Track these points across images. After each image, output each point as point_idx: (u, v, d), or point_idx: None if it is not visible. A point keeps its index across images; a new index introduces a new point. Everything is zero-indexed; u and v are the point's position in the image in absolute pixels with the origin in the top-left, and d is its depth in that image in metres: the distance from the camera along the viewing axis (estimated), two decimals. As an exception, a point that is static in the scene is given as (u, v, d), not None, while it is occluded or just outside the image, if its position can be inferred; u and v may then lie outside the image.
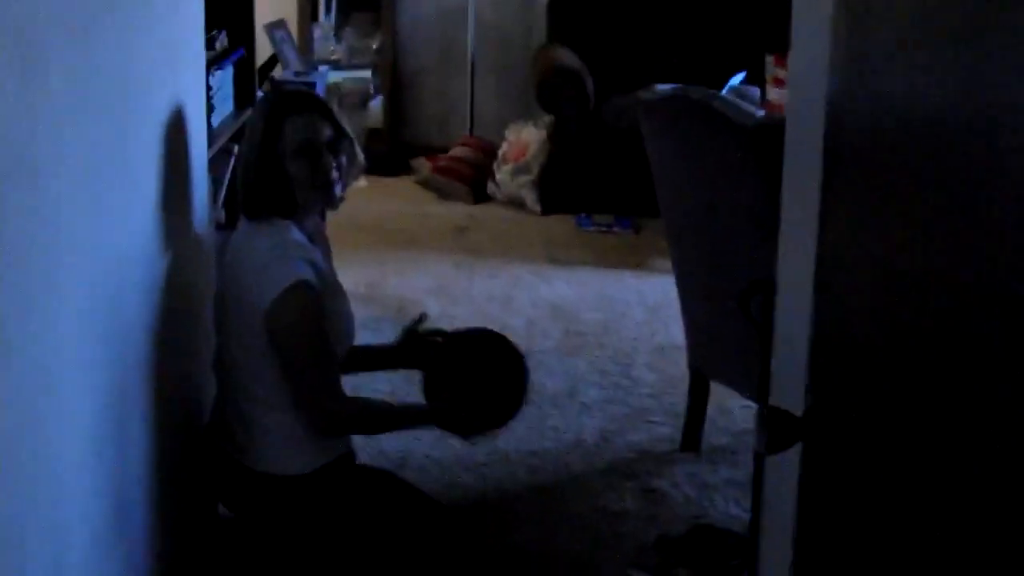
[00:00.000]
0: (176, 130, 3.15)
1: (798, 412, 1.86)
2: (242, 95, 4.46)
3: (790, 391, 1.96)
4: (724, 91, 6.35)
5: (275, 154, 3.12)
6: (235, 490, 3.25)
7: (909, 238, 1.56)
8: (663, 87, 4.38)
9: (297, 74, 5.77)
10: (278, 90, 3.39)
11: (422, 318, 3.55)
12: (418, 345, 3.48)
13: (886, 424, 1.61)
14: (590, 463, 4.31)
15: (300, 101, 3.20)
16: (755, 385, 4.02)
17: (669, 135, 4.01)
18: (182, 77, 3.22)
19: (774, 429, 1.67)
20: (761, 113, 3.72)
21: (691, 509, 4.02)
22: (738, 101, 3.84)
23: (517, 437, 4.45)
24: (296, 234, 3.17)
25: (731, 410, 4.66)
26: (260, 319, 3.06)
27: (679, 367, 5.08)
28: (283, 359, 3.10)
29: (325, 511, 3.19)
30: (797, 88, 2.03)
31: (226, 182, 4.15)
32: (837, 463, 1.71)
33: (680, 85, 4.06)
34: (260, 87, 4.76)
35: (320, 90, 4.99)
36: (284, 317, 3.05)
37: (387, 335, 5.26)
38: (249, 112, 3.30)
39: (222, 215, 4.06)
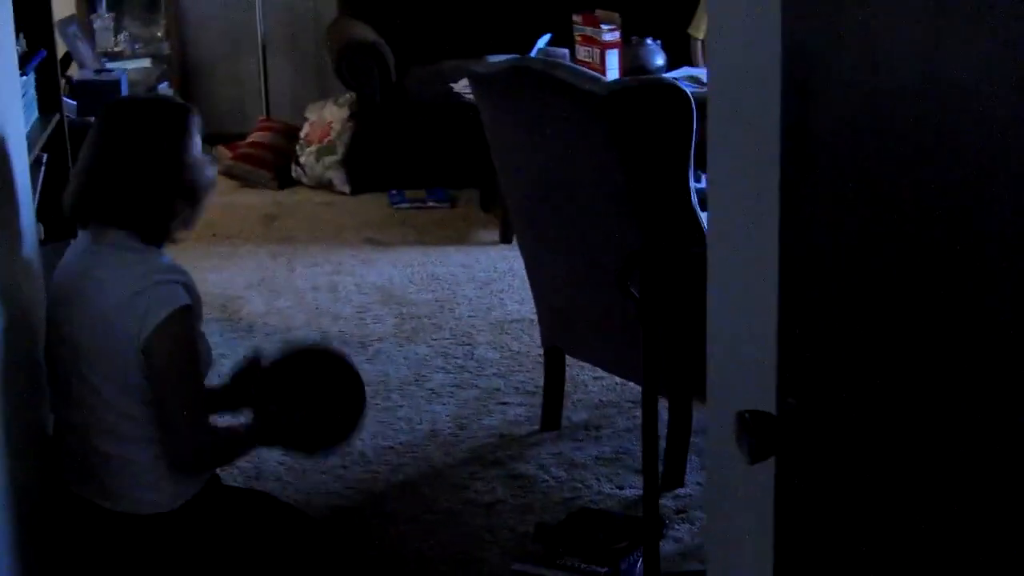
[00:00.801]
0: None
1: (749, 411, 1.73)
2: (47, 100, 4.16)
3: (741, 389, 1.83)
4: (532, 54, 6.24)
5: (169, 183, 2.90)
6: (96, 538, 2.98)
7: (891, 221, 1.43)
8: (496, 58, 4.23)
9: (98, 72, 5.45)
10: (164, 103, 3.12)
11: (252, 361, 3.27)
12: (243, 383, 3.24)
13: (870, 423, 1.49)
14: (450, 453, 4.15)
15: (187, 119, 2.97)
16: (623, 361, 3.91)
17: (511, 109, 3.85)
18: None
19: (757, 434, 1.54)
20: (605, 80, 3.59)
21: (563, 492, 3.89)
22: (579, 67, 3.70)
23: (371, 433, 4.27)
24: (167, 260, 2.94)
25: (585, 383, 4.55)
26: (132, 349, 2.83)
27: (522, 342, 4.96)
28: (158, 390, 2.87)
29: (198, 547, 2.97)
30: (725, 52, 1.89)
31: (37, 194, 3.85)
32: (819, 467, 1.58)
33: (516, 56, 3.92)
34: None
35: (124, 88, 4.71)
36: (165, 346, 2.84)
37: (215, 338, 5.04)
38: (104, 112, 3.01)
39: (40, 230, 3.76)
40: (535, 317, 5.05)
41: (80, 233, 3.00)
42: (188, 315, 2.90)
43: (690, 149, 3.59)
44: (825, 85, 1.54)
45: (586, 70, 3.64)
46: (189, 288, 2.94)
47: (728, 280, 1.91)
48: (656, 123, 3.54)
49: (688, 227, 3.62)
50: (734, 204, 1.83)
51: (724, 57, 1.92)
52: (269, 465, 4.08)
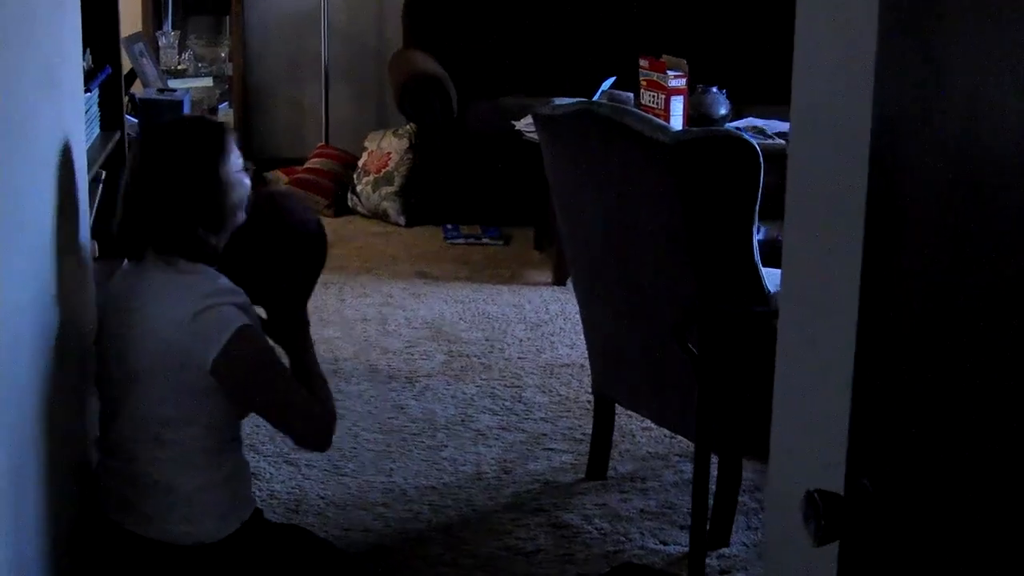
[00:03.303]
0: (61, 163, 2.86)
1: (819, 486, 1.66)
2: (110, 117, 4.14)
3: (807, 464, 1.76)
4: (596, 96, 6.19)
5: (209, 203, 2.86)
6: (134, 568, 2.94)
7: (982, 295, 1.36)
8: (563, 100, 4.18)
9: (160, 91, 5.43)
10: (203, 123, 3.08)
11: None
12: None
13: (949, 511, 1.42)
14: (493, 497, 4.08)
15: (226, 139, 2.94)
16: (673, 415, 3.85)
17: (575, 152, 3.80)
18: (62, 103, 2.92)
19: (826, 516, 1.47)
20: (673, 129, 3.53)
21: (607, 545, 3.81)
22: (646, 115, 3.65)
23: (414, 472, 4.21)
24: (224, 280, 2.90)
25: (633, 433, 4.47)
26: (197, 372, 2.80)
27: (570, 387, 4.90)
28: (252, 404, 2.91)
29: (238, 579, 2.92)
30: (809, 94, 1.82)
31: (94, 211, 3.82)
32: (888, 556, 1.51)
33: (585, 99, 3.86)
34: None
35: (187, 108, 4.69)
36: (239, 362, 2.82)
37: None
38: (141, 137, 2.98)
39: (95, 247, 3.73)
40: (585, 362, 4.99)
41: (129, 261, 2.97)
42: (250, 331, 2.86)
43: (755, 203, 3.53)
44: (917, 150, 1.48)
45: (653, 118, 3.58)
46: (245, 309, 2.90)
47: (800, 347, 1.84)
48: (722, 175, 3.48)
49: (749, 281, 3.55)
50: (811, 269, 1.77)
51: (807, 113, 1.86)
52: (310, 499, 4.02)
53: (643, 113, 3.67)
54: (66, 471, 2.85)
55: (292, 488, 4.07)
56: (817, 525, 1.47)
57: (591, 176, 3.76)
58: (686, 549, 3.77)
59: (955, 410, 1.41)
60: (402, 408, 4.71)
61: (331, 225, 7.00)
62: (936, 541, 1.45)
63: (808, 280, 1.78)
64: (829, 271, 1.68)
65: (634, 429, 4.48)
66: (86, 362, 2.98)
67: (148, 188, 2.89)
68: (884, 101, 1.51)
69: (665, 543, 3.82)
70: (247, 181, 2.97)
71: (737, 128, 6.27)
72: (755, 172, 3.48)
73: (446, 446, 4.42)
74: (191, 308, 2.81)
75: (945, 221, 1.42)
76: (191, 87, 6.96)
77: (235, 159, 2.93)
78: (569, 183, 3.90)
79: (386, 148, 7.20)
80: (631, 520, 3.94)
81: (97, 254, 3.70)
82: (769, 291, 3.59)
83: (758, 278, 3.57)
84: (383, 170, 7.14)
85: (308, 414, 3.00)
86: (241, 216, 2.95)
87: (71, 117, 3.01)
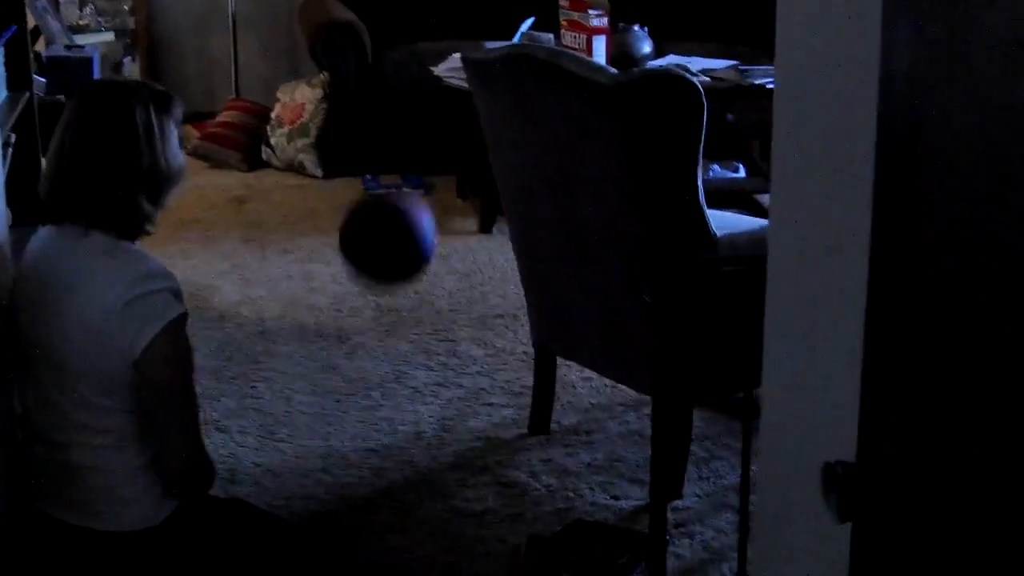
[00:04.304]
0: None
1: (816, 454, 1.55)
2: (17, 77, 3.92)
3: (812, 434, 1.64)
4: (515, 39, 6.04)
5: (150, 178, 2.69)
6: (74, 560, 2.77)
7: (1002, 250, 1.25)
8: (493, 44, 4.03)
9: (68, 48, 5.19)
10: (149, 86, 2.89)
11: None
12: None
13: (969, 482, 1.31)
14: (435, 457, 3.95)
15: (175, 104, 2.77)
16: (619, 365, 3.73)
17: (509, 98, 3.65)
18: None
19: (851, 489, 1.35)
20: (612, 70, 3.39)
21: (556, 502, 3.70)
22: (583, 56, 3.51)
23: (351, 434, 4.07)
24: (153, 263, 2.74)
25: (574, 384, 4.36)
26: (123, 363, 2.63)
27: (505, 339, 4.78)
28: (154, 404, 2.69)
29: (181, 562, 2.76)
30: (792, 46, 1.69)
31: (5, 176, 3.62)
32: (906, 530, 1.40)
33: (516, 42, 3.71)
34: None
35: (96, 65, 4.47)
36: (161, 359, 2.65)
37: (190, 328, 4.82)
38: (81, 95, 2.78)
39: (8, 215, 3.52)
40: (519, 313, 4.89)
41: (48, 226, 2.78)
42: (183, 326, 2.70)
43: (699, 144, 3.41)
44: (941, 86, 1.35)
45: (590, 59, 3.44)
46: (178, 294, 2.74)
47: (798, 307, 1.72)
48: (665, 116, 3.36)
49: (695, 225, 3.44)
50: (809, 222, 1.64)
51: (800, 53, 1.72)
52: (245, 467, 3.87)
53: (579, 55, 3.53)
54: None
55: (225, 456, 3.91)
56: (840, 499, 1.36)
57: (527, 122, 3.62)
58: (637, 503, 3.67)
59: (978, 374, 1.30)
60: (334, 368, 4.56)
61: (246, 180, 6.84)
62: (957, 513, 1.34)
63: (806, 235, 1.66)
64: (831, 223, 1.56)
65: (574, 380, 4.37)
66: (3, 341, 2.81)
67: (89, 149, 2.70)
68: (895, 42, 1.38)
69: (616, 497, 3.71)
70: (182, 155, 2.81)
71: (661, 67, 6.15)
72: (699, 112, 3.36)
73: (382, 405, 4.28)
74: (123, 294, 2.63)
75: (971, 173, 1.30)
76: (96, 42, 6.71)
77: (176, 131, 2.77)
78: (504, 130, 3.75)
79: (300, 99, 7.01)
80: (579, 475, 3.83)
81: (12, 221, 3.51)
82: (715, 234, 3.48)
83: (704, 222, 3.45)
84: (298, 121, 6.95)
85: (196, 445, 2.82)
86: (174, 193, 2.78)
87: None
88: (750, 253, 3.52)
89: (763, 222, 4.26)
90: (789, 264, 1.70)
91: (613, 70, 3.39)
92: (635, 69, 3.40)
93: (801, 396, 1.69)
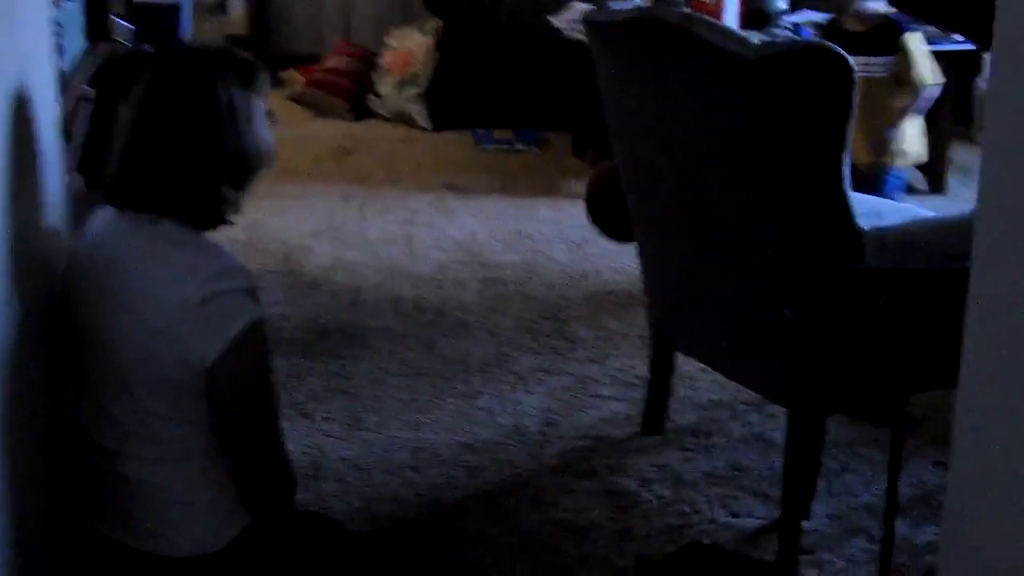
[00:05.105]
0: (21, 100, 2.34)
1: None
2: (95, 26, 3.59)
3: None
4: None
5: (228, 163, 2.36)
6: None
7: None
8: (617, 4, 3.63)
9: (156, -11, 4.86)
10: (234, 54, 2.53)
11: None
12: None
13: None
14: (537, 457, 3.58)
15: (261, 77, 2.43)
16: (745, 368, 3.34)
17: (634, 66, 3.25)
18: (21, 18, 2.38)
19: None
20: (757, 38, 2.98)
21: (668, 517, 3.32)
22: (719, 23, 3.10)
23: (446, 425, 3.72)
24: (229, 258, 2.39)
25: (692, 376, 3.96)
26: (194, 369, 2.29)
27: (620, 320, 4.41)
28: (229, 417, 2.35)
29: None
30: None
31: (83, 139, 3.29)
32: None
33: (643, 3, 3.32)
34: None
35: (186, 15, 4.13)
36: (237, 367, 2.31)
37: (277, 294, 4.51)
38: (155, 66, 2.42)
39: (80, 181, 3.18)
40: (634, 289, 4.51)
41: (110, 207, 2.44)
42: (262, 331, 2.35)
43: (848, 126, 2.99)
44: None
45: (727, 27, 3.04)
46: (255, 294, 2.39)
47: (1006, 296, 1.34)
48: (813, 94, 2.94)
49: (839, 217, 3.02)
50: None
51: None
52: (329, 460, 3.54)
53: (715, 20, 3.12)
54: (31, 466, 2.36)
55: (309, 448, 3.58)
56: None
57: (654, 95, 3.22)
58: (760, 521, 3.29)
59: None
60: (431, 347, 4.21)
61: (351, 130, 6.52)
62: None
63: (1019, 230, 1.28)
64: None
65: (692, 371, 3.96)
66: (54, 335, 2.48)
67: (164, 132, 2.35)
68: None
69: (736, 515, 3.33)
70: (271, 133, 2.46)
71: (795, 24, 5.72)
72: (849, 90, 2.94)
73: (482, 393, 3.92)
74: (194, 292, 2.28)
75: None
76: (199, -21, 6.41)
77: (262, 108, 2.42)
78: (627, 101, 3.36)
79: (410, 45, 6.65)
80: (695, 486, 3.45)
81: (84, 189, 3.18)
82: (861, 228, 3.06)
83: (848, 215, 3.04)
84: (407, 69, 6.60)
85: (278, 459, 2.48)
86: (263, 171, 2.44)
87: (36, 36, 2.48)
88: (902, 255, 3.12)
89: (907, 208, 3.83)
90: (999, 260, 1.32)
91: (754, 40, 2.97)
92: (778, 40, 2.99)
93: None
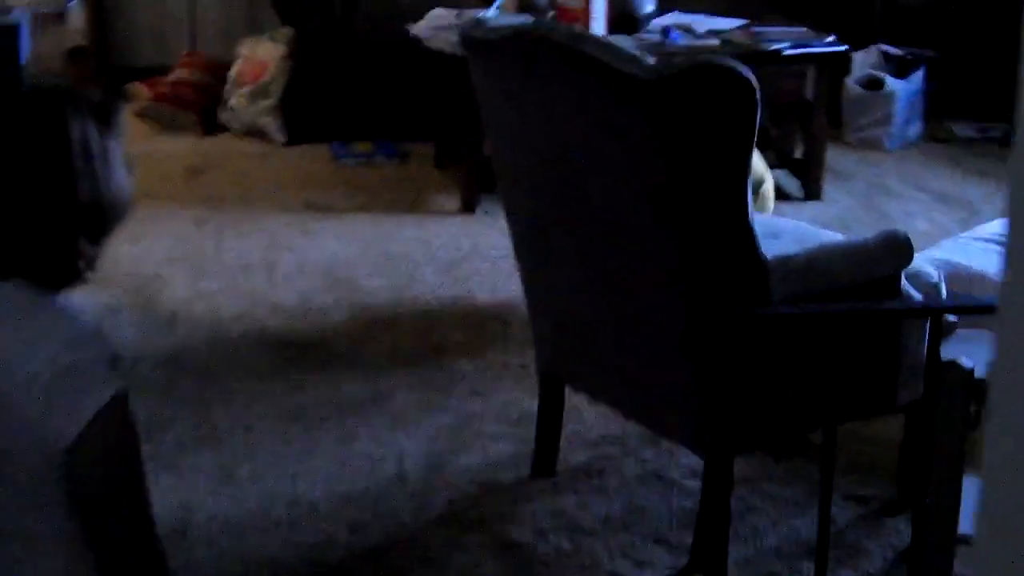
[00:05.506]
0: None
1: None
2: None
3: None
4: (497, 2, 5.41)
5: (92, 203, 2.08)
6: None
7: None
8: (495, 17, 3.40)
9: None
10: (78, 95, 2.24)
11: None
12: None
13: None
14: (423, 508, 3.33)
15: (119, 115, 2.15)
16: (647, 408, 3.13)
17: (519, 88, 3.02)
18: None
19: None
20: (650, 59, 2.76)
21: (569, 571, 3.09)
22: (610, 41, 2.88)
23: (323, 474, 3.45)
24: (82, 322, 2.11)
25: (579, 409, 3.73)
26: (50, 457, 2.01)
27: (497, 348, 4.19)
28: (95, 510, 2.07)
29: None
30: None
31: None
32: None
33: (527, 19, 3.09)
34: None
35: (25, 35, 3.81)
36: (97, 452, 2.03)
37: (128, 331, 4.21)
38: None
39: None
40: (511, 314, 4.34)
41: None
42: (125, 405, 2.08)
43: (751, 150, 2.80)
44: None
45: (618, 45, 2.81)
46: (116, 363, 2.11)
47: None
48: (713, 116, 2.73)
49: (742, 247, 2.82)
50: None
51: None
52: (198, 520, 3.25)
53: (606, 39, 2.91)
54: None
55: (175, 507, 3.29)
56: None
57: (540, 118, 3.00)
58: (665, 573, 3.08)
59: None
60: (301, 386, 3.93)
61: (201, 146, 6.21)
62: None
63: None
64: None
65: (579, 403, 3.73)
66: None
67: (11, 177, 2.07)
68: None
69: (640, 565, 3.11)
70: (130, 176, 2.19)
71: (665, 27, 5.54)
72: (752, 113, 2.74)
73: (358, 436, 3.66)
74: (45, 367, 2.00)
75: None
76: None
77: (119, 147, 2.15)
78: (509, 122, 3.13)
79: (261, 55, 6.35)
80: (594, 534, 3.22)
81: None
82: (764, 257, 2.86)
83: (753, 244, 2.84)
84: (259, 81, 6.29)
85: (148, 547, 2.21)
86: (121, 224, 2.17)
87: None
88: (804, 283, 2.93)
89: (799, 225, 3.65)
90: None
91: (649, 59, 2.76)
92: (675, 59, 2.77)
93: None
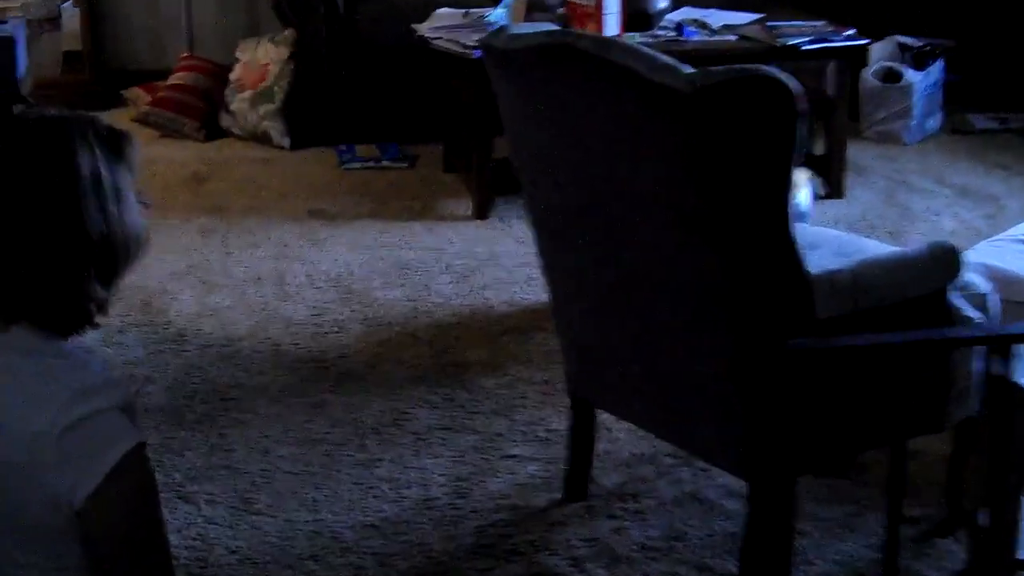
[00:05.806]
0: None
1: None
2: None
3: None
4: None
5: (102, 241, 1.96)
6: None
7: None
8: (520, 27, 3.25)
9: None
10: (86, 124, 2.10)
11: None
12: None
13: None
14: (452, 537, 3.19)
15: (130, 149, 2.03)
16: (683, 431, 2.99)
17: (544, 100, 2.88)
18: None
19: None
20: (688, 68, 2.62)
21: (609, 603, 2.97)
22: (642, 48, 2.73)
23: (346, 502, 3.32)
24: (96, 370, 1.99)
25: (609, 427, 3.59)
26: (60, 511, 1.88)
27: (519, 363, 4.05)
28: (111, 560, 1.95)
29: None
30: None
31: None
32: None
33: (552, 28, 2.95)
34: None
35: (21, 46, 3.65)
36: (114, 507, 1.92)
37: (138, 351, 4.07)
38: None
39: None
40: (531, 325, 4.24)
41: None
42: (141, 456, 1.95)
43: (792, 162, 2.65)
44: None
45: (653, 53, 2.67)
46: (131, 411, 1.98)
47: None
48: (755, 129, 2.59)
49: (785, 264, 2.69)
50: None
51: None
52: (218, 553, 3.12)
53: (637, 46, 2.75)
54: None
55: (193, 539, 3.16)
56: None
57: (568, 131, 2.85)
58: (710, 601, 2.95)
59: None
60: (319, 406, 3.79)
61: (203, 152, 6.08)
62: None
63: None
64: None
65: (608, 420, 3.58)
66: None
67: (17, 213, 1.94)
68: None
69: (683, 595, 2.98)
70: (143, 212, 2.05)
71: (677, 23, 5.40)
72: (793, 123, 2.60)
73: (381, 460, 3.52)
74: (57, 418, 1.87)
75: None
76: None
77: (131, 182, 2.01)
78: (536, 137, 2.98)
79: (263, 58, 6.20)
80: (633, 562, 3.09)
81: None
82: (809, 275, 2.72)
83: (797, 261, 2.70)
84: (261, 84, 6.15)
85: None
86: (134, 264, 2.04)
87: None
88: (853, 300, 2.79)
89: (839, 235, 3.50)
90: None
91: (686, 69, 2.61)
92: (714, 68, 2.62)
93: None
